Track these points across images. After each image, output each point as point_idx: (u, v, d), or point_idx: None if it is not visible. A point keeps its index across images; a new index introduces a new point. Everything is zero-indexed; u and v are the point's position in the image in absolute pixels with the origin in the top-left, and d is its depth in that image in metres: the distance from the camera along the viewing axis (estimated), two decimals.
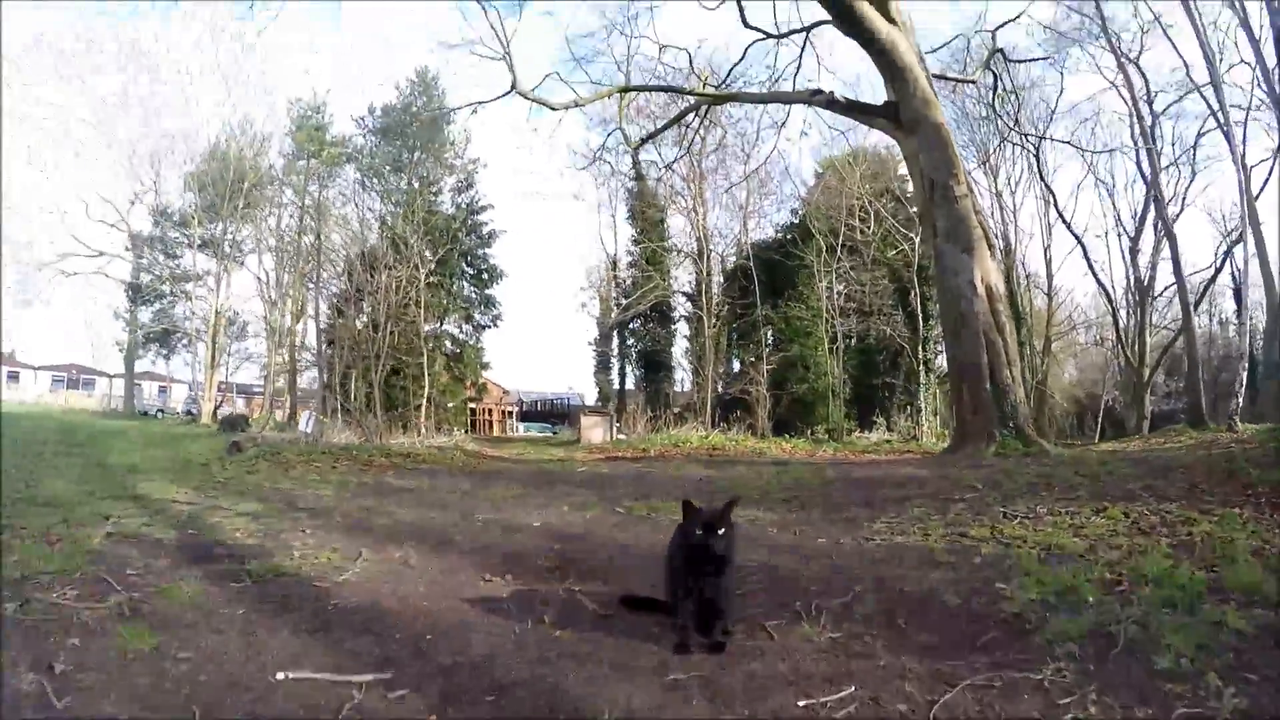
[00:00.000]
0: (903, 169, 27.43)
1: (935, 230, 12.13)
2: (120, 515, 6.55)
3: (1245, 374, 16.13)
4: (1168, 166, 23.45)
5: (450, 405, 25.14)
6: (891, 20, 12.03)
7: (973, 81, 19.71)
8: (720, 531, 3.21)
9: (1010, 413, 11.11)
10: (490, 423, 35.14)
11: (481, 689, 2.89)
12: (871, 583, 4.33)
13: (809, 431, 24.14)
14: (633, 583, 4.42)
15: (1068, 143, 24.74)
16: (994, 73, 19.43)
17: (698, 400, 26.32)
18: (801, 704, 2.68)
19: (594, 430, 24.46)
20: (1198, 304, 24.28)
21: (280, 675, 2.98)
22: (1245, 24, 15.62)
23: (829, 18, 13.63)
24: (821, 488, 8.99)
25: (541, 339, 66.33)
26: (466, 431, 23.93)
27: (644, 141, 20.51)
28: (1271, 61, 13.71)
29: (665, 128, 19.37)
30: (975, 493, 7.42)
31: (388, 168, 26.89)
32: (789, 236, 26.89)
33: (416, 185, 25.86)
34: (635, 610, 3.83)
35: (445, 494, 9.60)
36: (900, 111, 12.13)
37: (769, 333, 26.97)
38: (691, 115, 18.57)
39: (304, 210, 27.99)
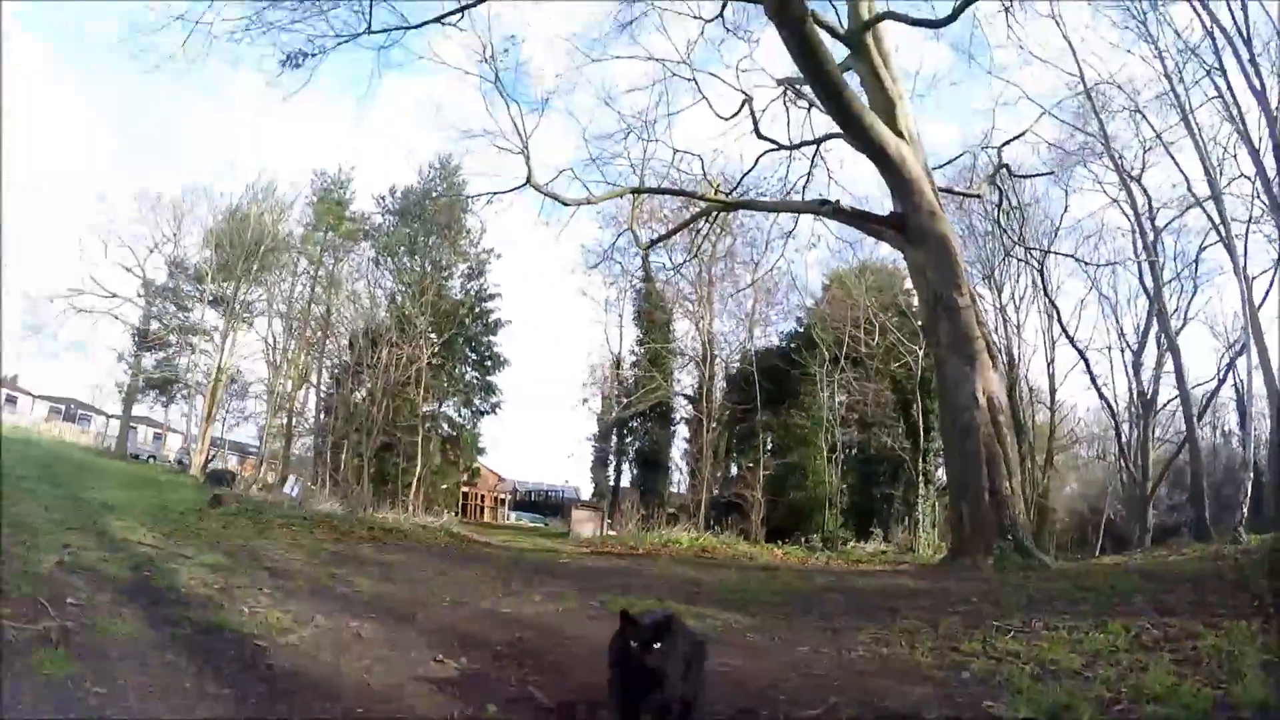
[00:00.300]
0: (908, 283, 28.11)
1: (938, 341, 12.15)
2: (80, 547, 6.57)
3: (1250, 485, 15.76)
4: (1170, 281, 23.67)
5: (443, 486, 24.73)
6: (900, 134, 12.49)
7: (978, 196, 20.22)
8: (658, 647, 2.92)
9: (1009, 525, 10.76)
10: (482, 508, 34.46)
11: None
12: (849, 696, 4.01)
13: (804, 539, 23.53)
14: (593, 678, 4.03)
15: (1071, 256, 25.03)
16: (999, 188, 20.01)
17: (692, 502, 25.84)
18: None
19: (585, 524, 24.02)
20: (1200, 416, 23.93)
21: None
22: (1245, 137, 16.08)
23: (839, 131, 14.24)
24: (809, 595, 8.63)
25: (540, 430, 66.10)
26: (457, 514, 23.41)
27: (654, 243, 21.03)
28: (1272, 171, 14.03)
29: (676, 231, 19.89)
30: (969, 605, 7.05)
31: (402, 248, 27.54)
32: (793, 345, 27.16)
33: (429, 268, 26.46)
34: None
35: (418, 572, 9.28)
36: (906, 223, 12.41)
37: (768, 439, 26.75)
38: (702, 221, 19.10)
39: (316, 280, 28.56)
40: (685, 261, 24.01)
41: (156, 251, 34.95)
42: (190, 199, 35.18)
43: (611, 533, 23.74)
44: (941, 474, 25.15)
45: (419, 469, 19.57)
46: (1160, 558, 11.04)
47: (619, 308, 30.96)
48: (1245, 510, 15.32)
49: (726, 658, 4.73)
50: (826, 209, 14.51)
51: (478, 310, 28.43)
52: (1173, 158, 20.78)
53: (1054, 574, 9.51)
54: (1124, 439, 25.19)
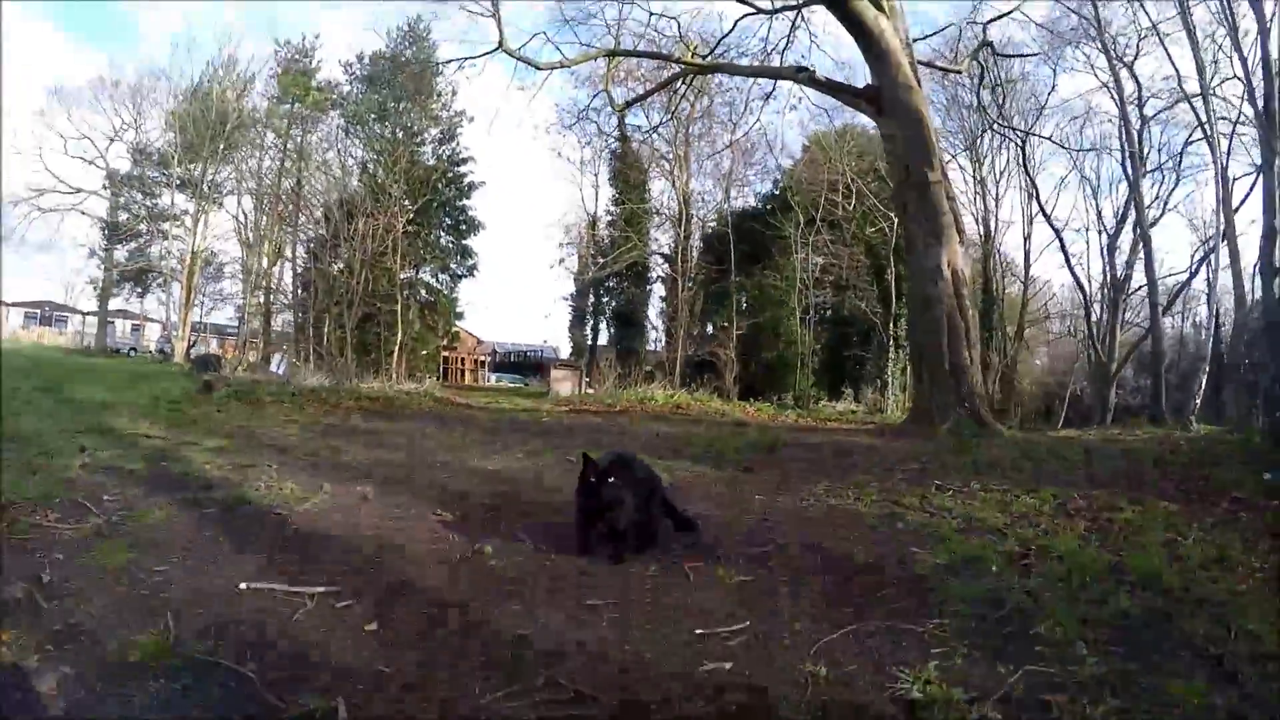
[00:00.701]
0: None
1: (907, 214, 12.32)
2: (95, 448, 6.78)
3: (1206, 376, 16.64)
4: (1152, 171, 23.70)
5: (423, 352, 25.19)
6: (879, 5, 12.04)
7: (959, 72, 19.62)
8: (610, 480, 3.97)
9: (966, 394, 11.42)
10: (462, 371, 35.21)
11: (418, 605, 3.25)
12: (795, 538, 4.64)
13: (776, 398, 24.57)
14: (562, 526, 4.63)
15: (1050, 139, 24.88)
16: (981, 65, 19.51)
17: (668, 360, 26.59)
18: (698, 632, 3.00)
19: (563, 383, 24.69)
20: (1169, 306, 24.77)
21: (243, 585, 3.37)
22: (1236, 44, 15.73)
23: None
24: (773, 451, 9.25)
25: (517, 292, 66.13)
26: (438, 379, 24.04)
27: (629, 105, 20.29)
28: (1258, 82, 13.88)
29: (651, 93, 19.22)
30: (919, 465, 7.72)
31: (372, 116, 26.46)
32: (769, 207, 26.96)
33: (400, 134, 25.56)
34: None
35: (408, 437, 9.81)
36: (881, 95, 12.20)
37: (743, 299, 27.14)
38: (680, 82, 18.46)
39: (285, 154, 27.51)
40: (662, 122, 23.38)
41: (118, 140, 33.77)
42: (149, 82, 33.51)
43: (589, 390, 24.58)
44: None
45: (399, 337, 19.83)
46: (1113, 436, 11.78)
47: (594, 168, 30.39)
48: (1199, 399, 16.20)
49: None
50: (802, 76, 14.08)
51: (451, 175, 27.74)
52: (1166, 50, 20.28)
53: (1004, 442, 10.24)
54: (1093, 319, 25.87)
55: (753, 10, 15.60)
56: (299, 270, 25.25)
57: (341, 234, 18.16)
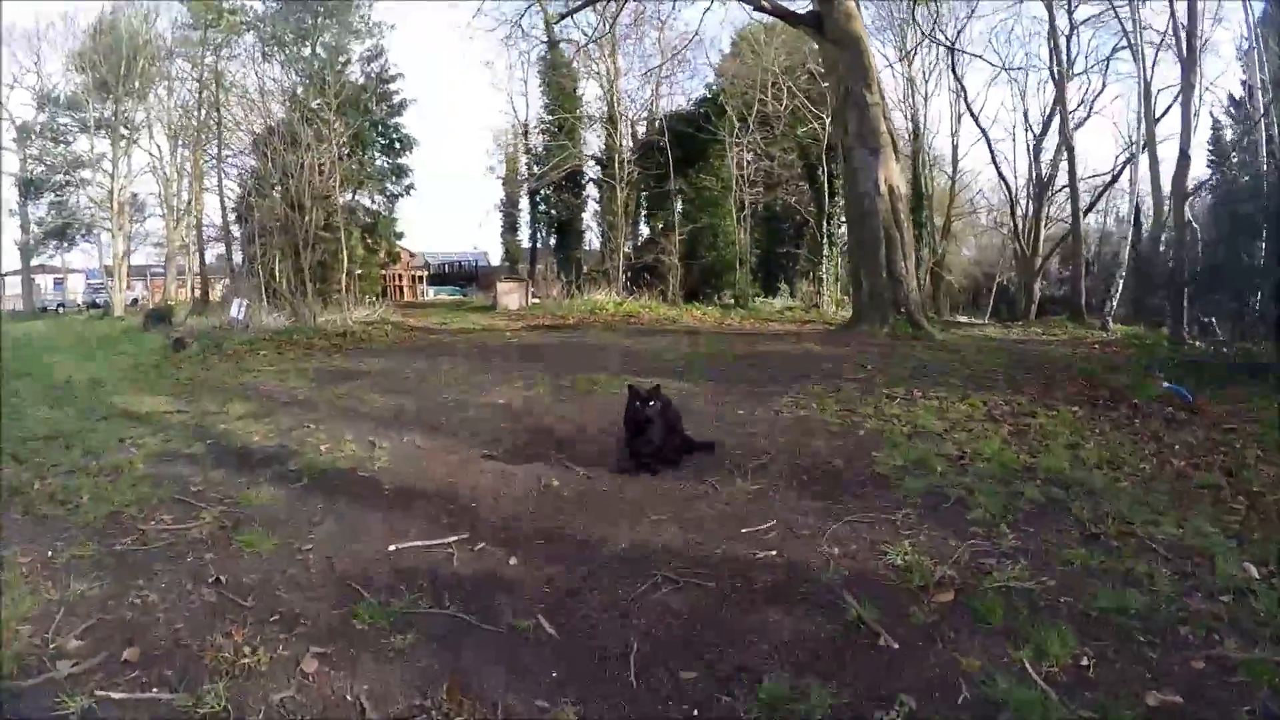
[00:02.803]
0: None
1: (846, 132, 13.26)
2: (129, 438, 6.69)
3: (1123, 280, 18.28)
4: (1079, 74, 24.82)
5: (363, 276, 25.01)
6: None
7: None
8: (651, 403, 5.24)
9: (903, 300, 12.86)
10: (400, 289, 34.96)
11: (531, 536, 4.27)
12: (780, 449, 5.87)
13: (716, 298, 25.78)
14: (591, 452, 5.89)
15: (980, 57, 25.61)
16: None
17: (611, 266, 27.23)
18: (744, 531, 4.24)
19: (510, 296, 25.09)
20: (1092, 206, 26.49)
21: (392, 548, 4.01)
22: None
23: None
24: (735, 363, 10.43)
25: (448, 202, 63.93)
26: (379, 299, 24.11)
27: (564, 17, 20.03)
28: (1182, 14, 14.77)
29: (588, 4, 18.95)
30: (865, 374, 9.02)
31: (290, 35, 24.96)
32: (702, 110, 27.11)
33: (324, 55, 24.29)
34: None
35: (403, 377, 10.17)
36: (823, 22, 12.83)
37: (679, 202, 27.69)
38: None
39: (201, 83, 25.80)
40: (597, 36, 22.80)
41: (18, 86, 31.20)
42: (44, 23, 31.03)
43: (535, 300, 25.21)
44: (844, 233, 27.48)
45: (346, 265, 19.79)
46: (1035, 334, 13.08)
47: (524, 74, 29.71)
48: (1115, 302, 17.80)
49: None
50: None
51: (381, 93, 26.73)
52: None
53: (938, 345, 11.66)
54: (1019, 215, 27.34)
55: None
56: (228, 204, 24.46)
57: (286, 167, 17.67)
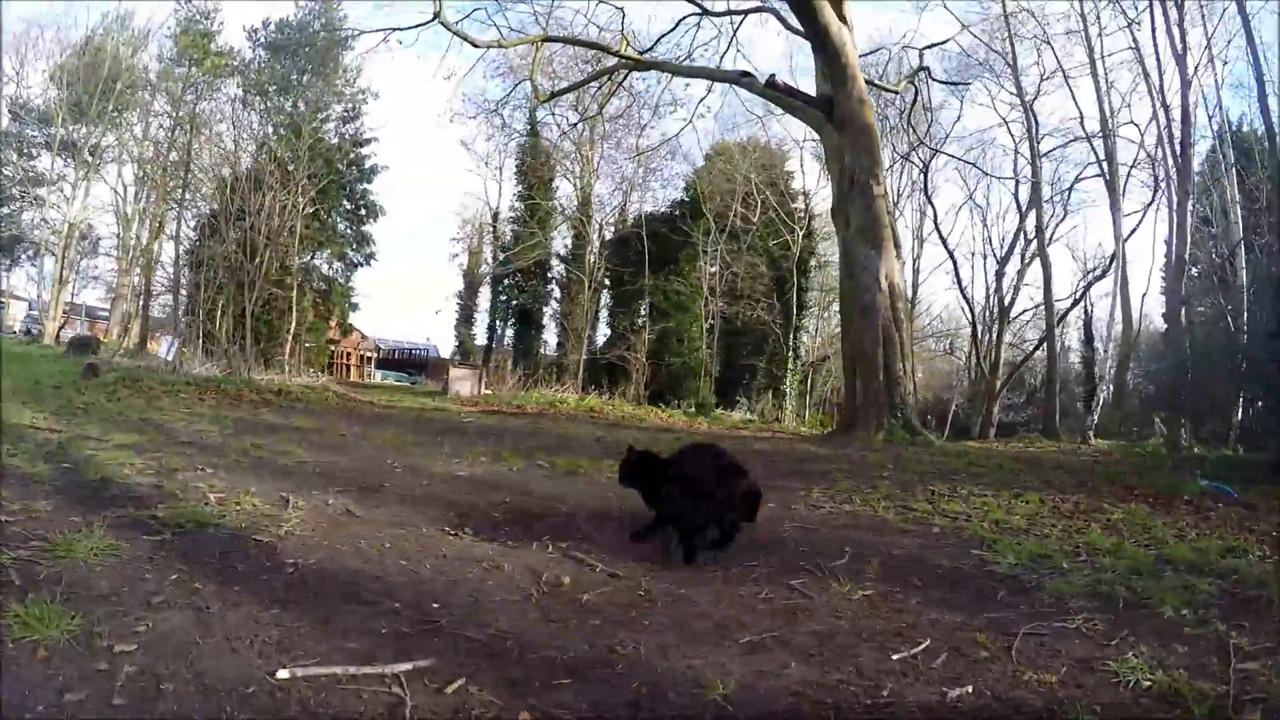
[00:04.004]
0: (790, 164, 28.76)
1: (848, 224, 12.64)
2: None
3: (1103, 396, 18.22)
4: (1034, 205, 25.61)
5: (311, 346, 23.27)
6: (843, 19, 12.36)
7: (897, 92, 20.80)
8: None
9: (900, 404, 11.88)
10: (348, 367, 32.97)
11: (549, 672, 2.47)
12: (855, 546, 4.45)
13: (678, 403, 24.69)
14: (600, 542, 4.31)
15: (972, 164, 26.42)
16: (916, 88, 20.72)
17: (571, 362, 26.16)
18: (895, 658, 2.71)
19: (462, 383, 23.83)
20: (1057, 325, 26.77)
21: (284, 674, 2.28)
22: (1152, 91, 17.28)
23: (763, 3, 13.90)
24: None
25: (402, 287, 62.70)
26: (325, 373, 22.29)
27: (555, 96, 19.78)
28: (1165, 125, 15.35)
29: (583, 84, 18.75)
30: (888, 472, 7.86)
31: (273, 87, 24.42)
32: (679, 212, 27.15)
33: (303, 107, 23.66)
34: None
35: (338, 436, 8.90)
36: (835, 107, 12.49)
37: (647, 304, 27.10)
38: (606, 79, 18.18)
39: (177, 121, 24.63)
40: (582, 118, 22.86)
41: None
42: (35, 31, 29.28)
43: (487, 391, 23.76)
44: (804, 349, 27.33)
45: (293, 326, 18.14)
46: (1022, 449, 12.62)
47: (499, 160, 29.52)
48: (1095, 417, 17.72)
49: None
50: (746, 81, 14.24)
51: (353, 155, 26.03)
52: (1071, 91, 22.45)
53: (939, 451, 10.68)
54: (979, 339, 27.48)
55: (698, 11, 15.57)
56: (183, 250, 22.73)
57: (246, 208, 16.31)
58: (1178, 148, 14.11)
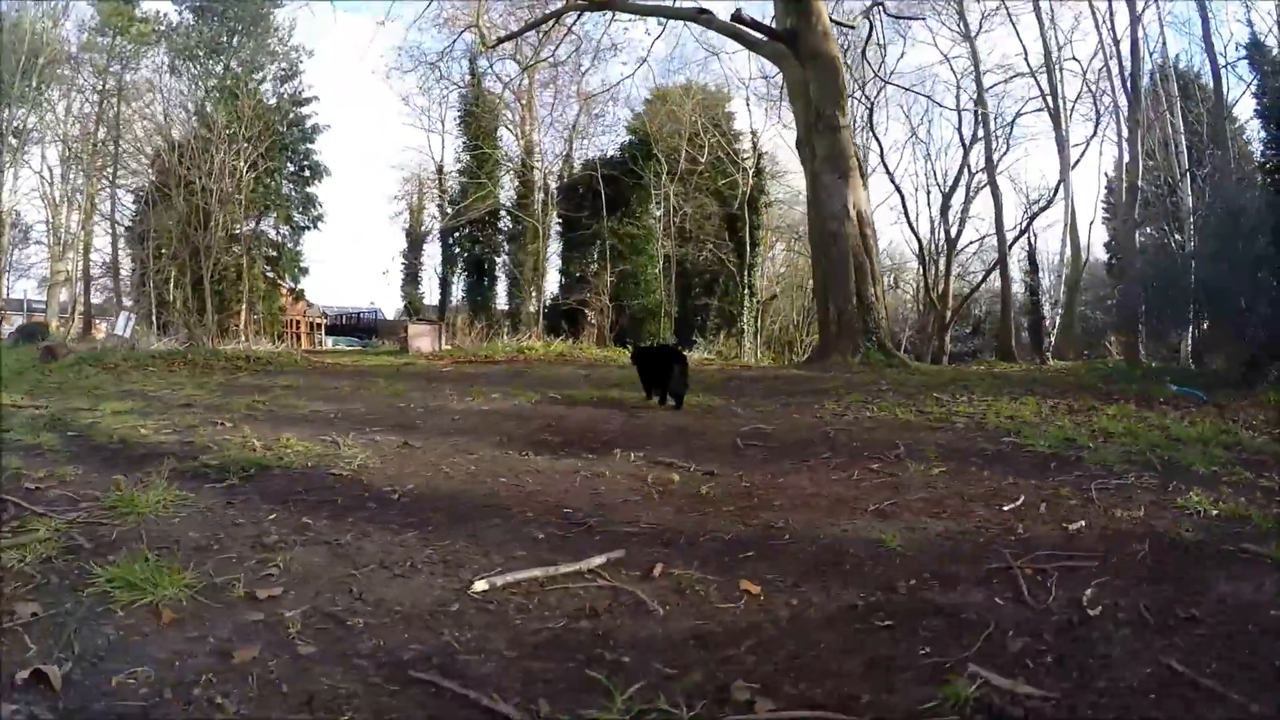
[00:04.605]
0: (731, 105, 28.64)
1: (814, 156, 12.88)
2: None
3: (1059, 319, 19.10)
4: (983, 138, 25.95)
5: (262, 314, 22.32)
6: None
7: (853, 27, 20.90)
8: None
9: (874, 328, 12.35)
10: (298, 335, 31.81)
11: (726, 551, 2.66)
12: (900, 440, 4.78)
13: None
14: (663, 450, 4.53)
15: (927, 96, 27.03)
16: (871, 23, 20.92)
17: (529, 312, 25.99)
18: (1006, 509, 3.11)
19: (422, 339, 23.13)
20: (996, 264, 27.74)
21: (482, 585, 2.25)
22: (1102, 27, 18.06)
23: None
24: (733, 384, 9.30)
25: (346, 252, 59.98)
26: (277, 341, 21.54)
27: (502, 41, 19.15)
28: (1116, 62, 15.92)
29: (531, 27, 18.19)
30: (883, 388, 8.20)
31: (203, 51, 22.84)
32: (630, 154, 26.79)
33: (237, 68, 22.25)
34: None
35: (331, 390, 8.57)
36: (798, 40, 12.58)
37: (606, 247, 26.89)
38: (553, 23, 17.73)
39: (103, 95, 22.76)
40: (529, 64, 22.22)
41: None
42: None
43: (448, 346, 23.41)
44: (760, 286, 27.73)
45: (245, 294, 17.44)
46: (986, 370, 13.22)
47: (441, 113, 28.49)
48: (1052, 339, 18.56)
49: (760, 423, 5.53)
50: (704, 18, 14.17)
51: (293, 116, 24.78)
52: (1015, 26, 23.55)
53: (917, 371, 11.18)
54: (927, 271, 27.99)
55: None
56: (123, 228, 21.36)
57: (190, 176, 15.41)
58: (1128, 82, 14.72)
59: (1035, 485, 3.48)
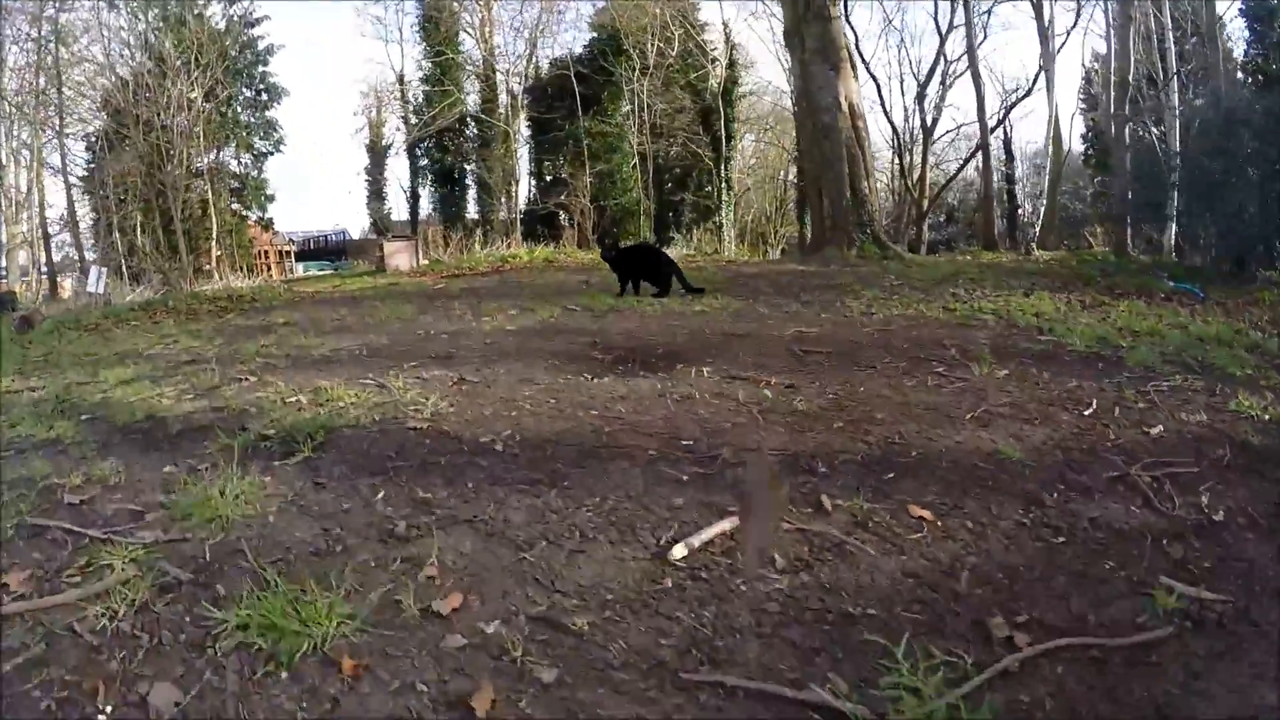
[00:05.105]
0: None
1: (804, 47, 12.42)
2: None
3: (1043, 210, 19.10)
4: (958, 26, 24.87)
5: (233, 248, 21.44)
6: None
7: None
8: (612, 254, 8.10)
9: (868, 221, 12.36)
10: (269, 266, 30.77)
11: (870, 471, 2.77)
12: (946, 340, 4.99)
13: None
14: (727, 361, 4.52)
15: None
16: None
17: (499, 220, 25.43)
18: (1087, 414, 3.39)
19: (399, 256, 22.39)
20: (974, 153, 27.29)
21: (680, 551, 2.13)
22: None
23: None
24: (741, 284, 9.14)
25: (305, 173, 56.99)
26: (248, 274, 20.84)
27: None
28: None
29: None
30: (898, 281, 8.37)
31: None
32: (600, 51, 25.53)
33: None
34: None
35: (339, 321, 7.95)
36: None
37: (584, 145, 26.03)
38: None
39: (39, 42, 20.57)
40: None
41: None
42: None
43: (425, 261, 22.90)
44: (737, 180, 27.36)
45: (214, 229, 16.69)
46: (975, 260, 13.33)
47: (399, 21, 26.77)
48: (1038, 229, 18.59)
49: (792, 325, 5.62)
50: None
51: (245, 38, 23.03)
52: None
53: (914, 263, 11.30)
54: (904, 160, 27.47)
55: None
56: (76, 178, 19.98)
57: (144, 113, 14.37)
58: None
59: (1098, 389, 3.71)
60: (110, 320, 10.59)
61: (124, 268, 14.82)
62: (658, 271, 7.76)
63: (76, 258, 21.19)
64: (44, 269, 22.71)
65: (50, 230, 22.82)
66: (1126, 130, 13.40)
